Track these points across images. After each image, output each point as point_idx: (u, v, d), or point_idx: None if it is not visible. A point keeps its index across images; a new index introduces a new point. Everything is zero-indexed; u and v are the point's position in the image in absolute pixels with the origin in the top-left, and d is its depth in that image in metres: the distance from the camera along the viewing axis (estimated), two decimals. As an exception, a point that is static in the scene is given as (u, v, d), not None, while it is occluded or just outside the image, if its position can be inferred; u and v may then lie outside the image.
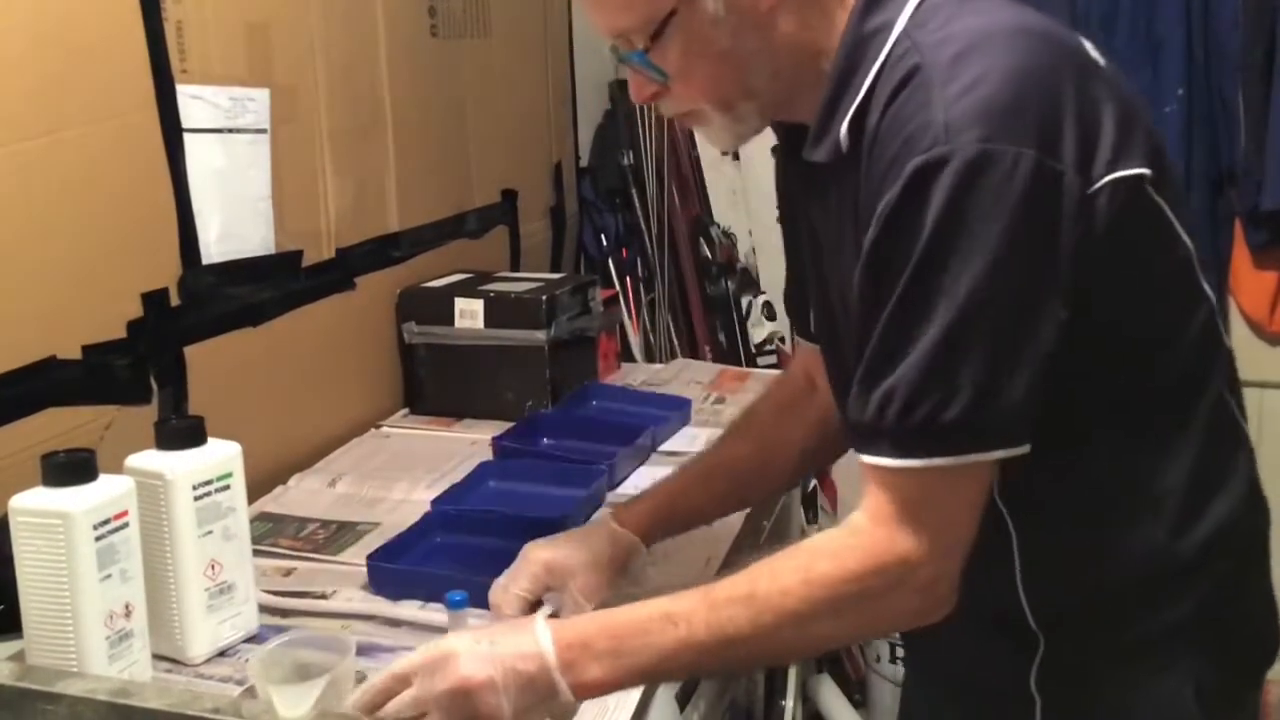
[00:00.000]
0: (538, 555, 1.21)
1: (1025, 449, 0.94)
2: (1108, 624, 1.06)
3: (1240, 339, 2.59)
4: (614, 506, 1.32)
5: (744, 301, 2.80)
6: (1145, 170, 0.95)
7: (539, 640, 0.97)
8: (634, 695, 1.10)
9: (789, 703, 1.81)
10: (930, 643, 1.15)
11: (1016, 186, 0.89)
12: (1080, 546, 1.04)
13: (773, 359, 2.79)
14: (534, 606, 1.19)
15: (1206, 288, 1.04)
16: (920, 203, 0.90)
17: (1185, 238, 1.01)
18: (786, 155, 1.15)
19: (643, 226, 2.75)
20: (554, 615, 1.15)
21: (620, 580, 1.24)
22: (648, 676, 1.02)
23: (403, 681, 0.98)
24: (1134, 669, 1.06)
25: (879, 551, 0.95)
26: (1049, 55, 0.94)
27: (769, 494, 1.47)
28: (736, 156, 2.86)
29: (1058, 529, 1.04)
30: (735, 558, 1.45)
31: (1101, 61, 1.00)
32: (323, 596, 1.30)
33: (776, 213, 1.30)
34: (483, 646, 0.97)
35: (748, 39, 1.01)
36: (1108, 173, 0.93)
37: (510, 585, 1.20)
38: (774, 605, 0.96)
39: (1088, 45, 1.01)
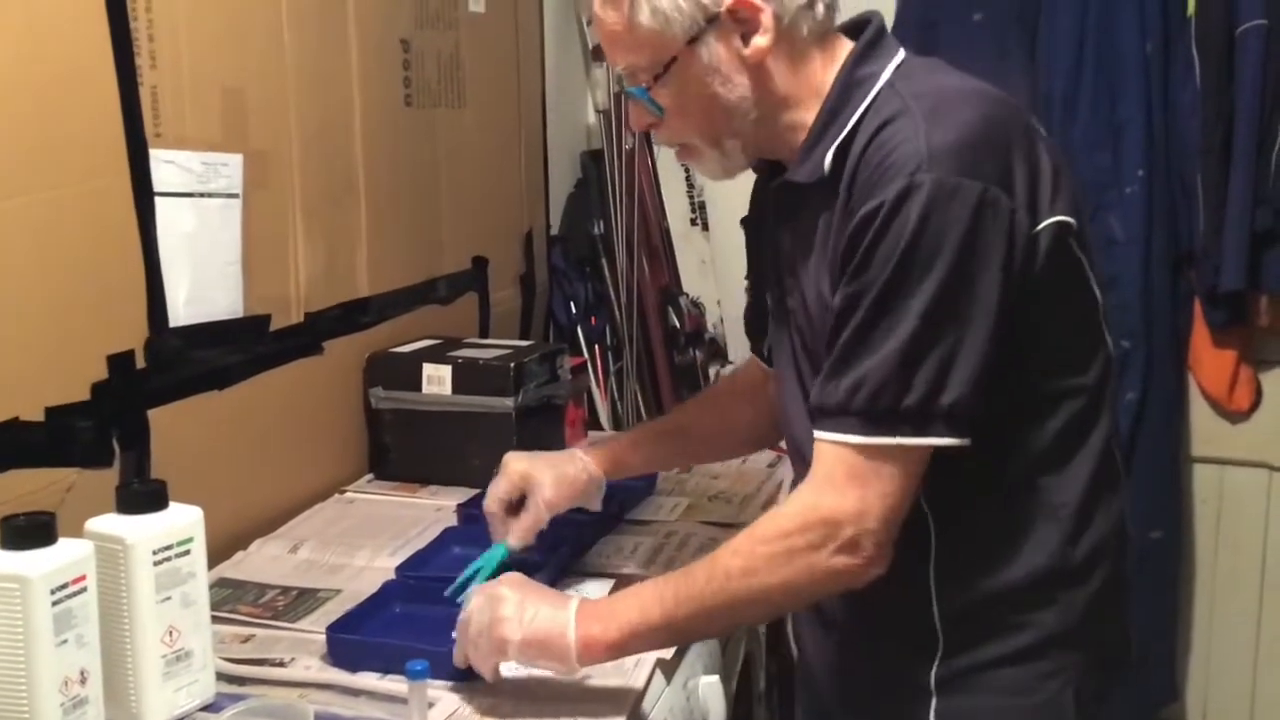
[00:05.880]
0: (516, 466, 1.45)
1: (965, 442, 1.09)
2: (1005, 626, 1.19)
3: (1200, 417, 2.63)
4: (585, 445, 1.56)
5: (712, 371, 2.82)
6: (1071, 220, 1.13)
7: (570, 600, 1.19)
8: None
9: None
10: (827, 639, 1.30)
11: (981, 216, 1.06)
12: (991, 549, 1.18)
13: (740, 429, 2.80)
14: (513, 507, 1.43)
15: (1108, 338, 1.21)
16: (900, 218, 1.06)
17: (1096, 289, 1.19)
18: (764, 184, 1.31)
19: (612, 295, 2.76)
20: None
21: (578, 501, 1.47)
22: (635, 630, 1.16)
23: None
24: (1024, 671, 1.19)
25: (808, 511, 1.12)
26: (1005, 113, 1.13)
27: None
28: (706, 227, 2.90)
29: (973, 532, 1.18)
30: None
31: (1040, 128, 1.18)
32: (281, 664, 1.29)
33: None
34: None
35: (736, 86, 1.18)
36: (1047, 216, 1.11)
37: (493, 490, 1.45)
38: (725, 563, 1.14)
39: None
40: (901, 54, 1.19)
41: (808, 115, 1.19)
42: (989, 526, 1.18)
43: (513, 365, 1.87)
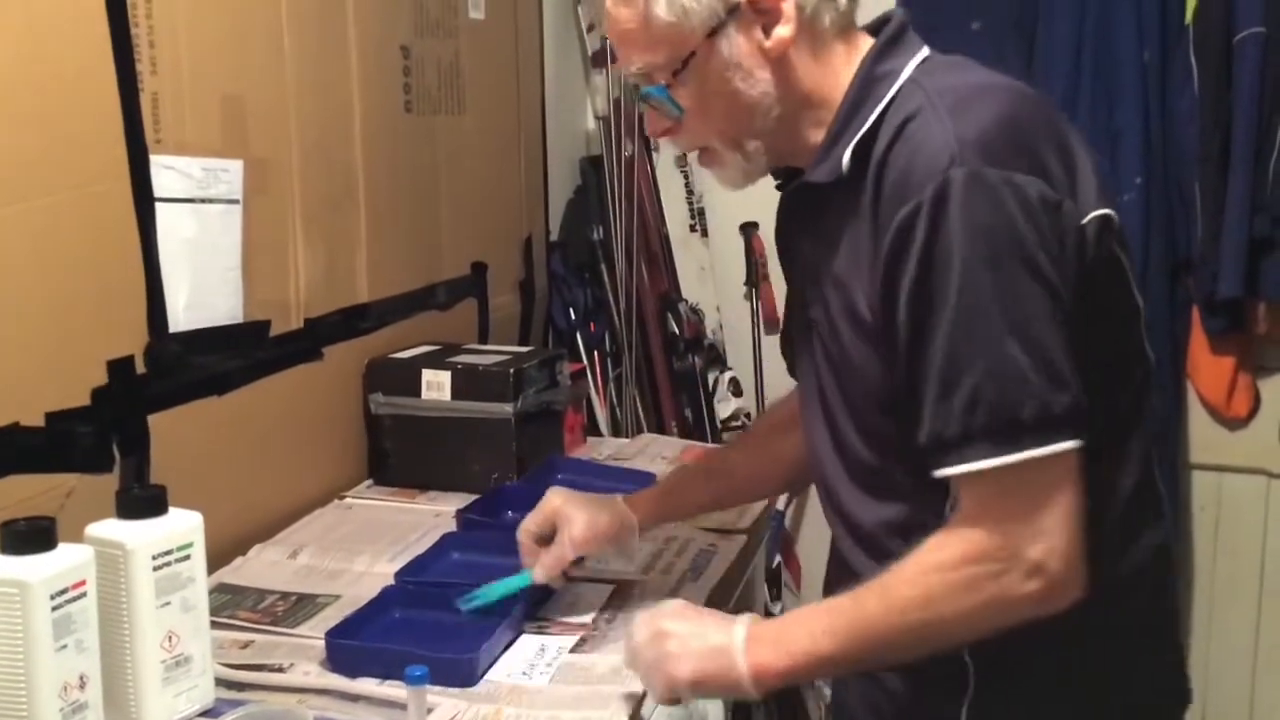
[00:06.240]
0: (553, 500, 1.42)
1: (1083, 443, 1.02)
2: (1038, 659, 1.12)
3: (1198, 424, 2.63)
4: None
5: (710, 377, 2.82)
6: (1114, 215, 1.08)
7: (735, 624, 1.13)
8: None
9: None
10: (860, 677, 1.24)
11: (1027, 205, 1.01)
12: None
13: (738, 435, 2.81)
14: (543, 540, 1.41)
15: (1148, 349, 1.15)
16: (945, 219, 1.00)
17: (1137, 295, 1.13)
18: (783, 190, 1.25)
19: (611, 301, 2.77)
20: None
21: (609, 548, 1.43)
22: (808, 661, 1.10)
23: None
24: (1061, 705, 1.14)
25: (981, 539, 1.03)
26: (1033, 106, 1.09)
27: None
28: (705, 233, 2.90)
29: None
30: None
31: (1069, 123, 1.12)
32: (280, 670, 1.29)
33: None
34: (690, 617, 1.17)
35: (758, 82, 1.13)
36: (1093, 209, 1.06)
37: (526, 520, 1.42)
38: (899, 592, 1.06)
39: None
40: (925, 51, 1.15)
41: (826, 114, 1.14)
42: None
43: (512, 371, 1.87)
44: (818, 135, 1.15)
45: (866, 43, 1.16)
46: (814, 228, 1.18)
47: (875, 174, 1.07)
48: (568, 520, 1.39)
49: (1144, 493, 1.16)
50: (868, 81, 1.12)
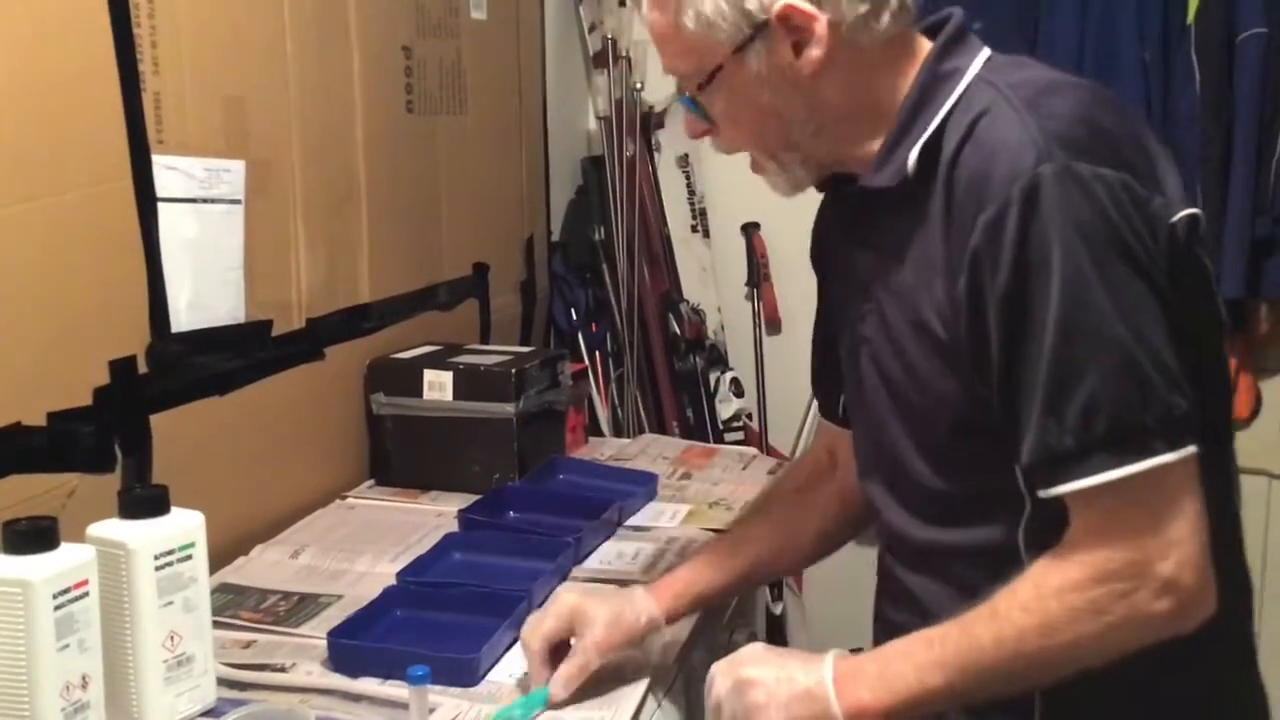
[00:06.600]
0: (567, 600, 1.25)
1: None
2: (1108, 691, 1.05)
3: (1200, 424, 2.62)
4: (646, 581, 1.35)
5: (712, 378, 2.82)
6: (1199, 213, 1.02)
7: (823, 663, 1.06)
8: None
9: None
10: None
11: (1122, 201, 0.96)
12: None
13: (740, 435, 2.81)
14: (556, 648, 1.23)
15: (1227, 359, 1.10)
16: (1039, 219, 0.95)
17: (1221, 305, 1.08)
18: (829, 201, 1.22)
19: (613, 301, 2.77)
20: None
21: (632, 648, 1.27)
22: (913, 698, 1.03)
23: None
24: None
25: (1103, 561, 0.96)
26: (1110, 105, 1.04)
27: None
28: (707, 234, 2.90)
29: None
30: (698, 639, 1.45)
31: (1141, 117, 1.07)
32: (282, 669, 1.29)
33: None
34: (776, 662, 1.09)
35: (789, 98, 1.09)
36: (1181, 208, 1.01)
37: (539, 623, 1.24)
38: (1013, 619, 0.99)
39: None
40: (987, 51, 1.10)
41: (877, 124, 1.09)
42: None
43: (514, 371, 1.87)
44: (873, 144, 1.10)
45: (924, 47, 1.11)
46: (868, 238, 1.13)
47: (946, 175, 1.02)
48: (588, 622, 1.23)
49: (1230, 509, 1.11)
50: (930, 82, 1.07)
